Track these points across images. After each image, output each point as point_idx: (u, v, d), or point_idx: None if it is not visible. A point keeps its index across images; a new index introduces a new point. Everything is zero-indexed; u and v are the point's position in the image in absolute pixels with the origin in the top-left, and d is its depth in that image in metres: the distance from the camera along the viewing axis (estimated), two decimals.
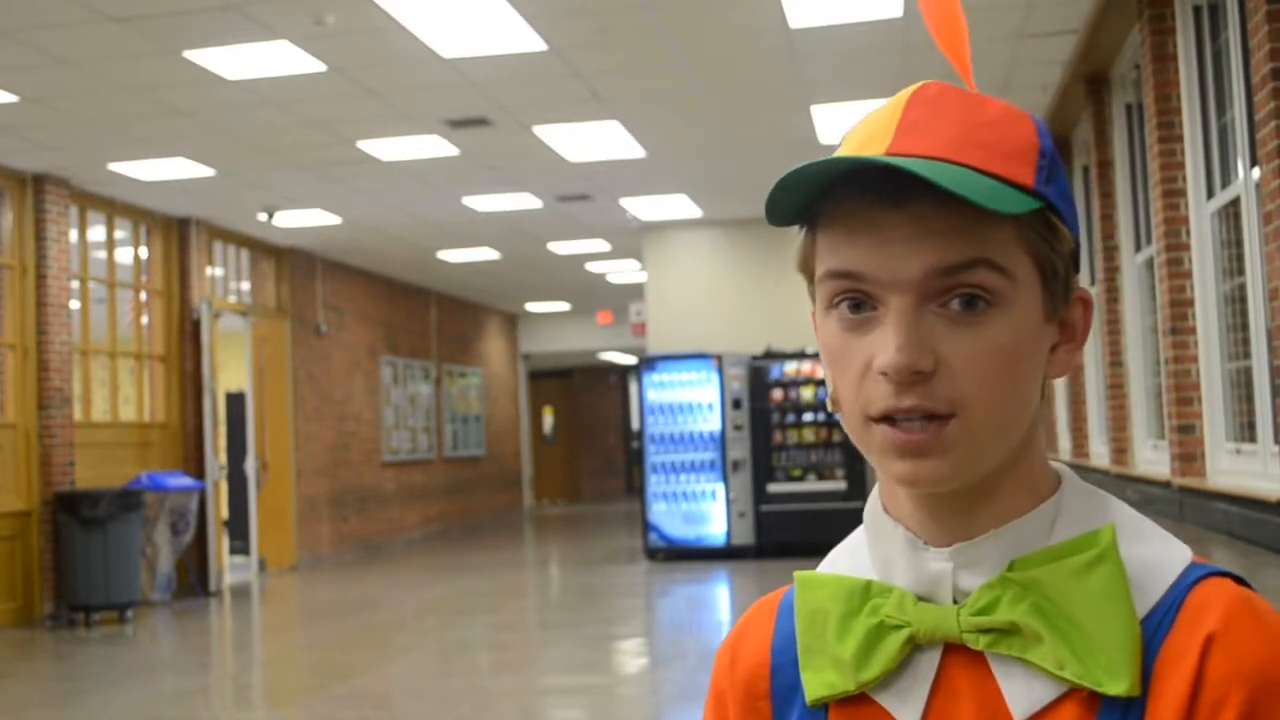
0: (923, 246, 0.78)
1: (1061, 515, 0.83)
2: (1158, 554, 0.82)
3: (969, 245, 0.78)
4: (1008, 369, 0.79)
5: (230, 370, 14.00)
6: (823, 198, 0.82)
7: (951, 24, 0.90)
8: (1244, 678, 0.74)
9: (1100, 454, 8.75)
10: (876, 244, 0.79)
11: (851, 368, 0.81)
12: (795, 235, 0.87)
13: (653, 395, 12.77)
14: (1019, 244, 0.80)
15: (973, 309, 0.78)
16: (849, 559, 0.90)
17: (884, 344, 0.78)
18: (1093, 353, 8.80)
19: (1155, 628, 0.78)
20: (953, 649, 0.82)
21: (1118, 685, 0.76)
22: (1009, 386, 0.79)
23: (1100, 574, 0.79)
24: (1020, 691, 0.79)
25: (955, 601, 0.82)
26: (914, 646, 0.83)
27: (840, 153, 0.84)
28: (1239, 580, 0.81)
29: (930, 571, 0.83)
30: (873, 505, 0.88)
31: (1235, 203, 5.44)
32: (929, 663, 0.83)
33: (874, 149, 0.81)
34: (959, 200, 0.76)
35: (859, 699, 0.85)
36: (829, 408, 0.85)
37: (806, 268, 0.85)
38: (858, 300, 0.80)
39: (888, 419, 0.79)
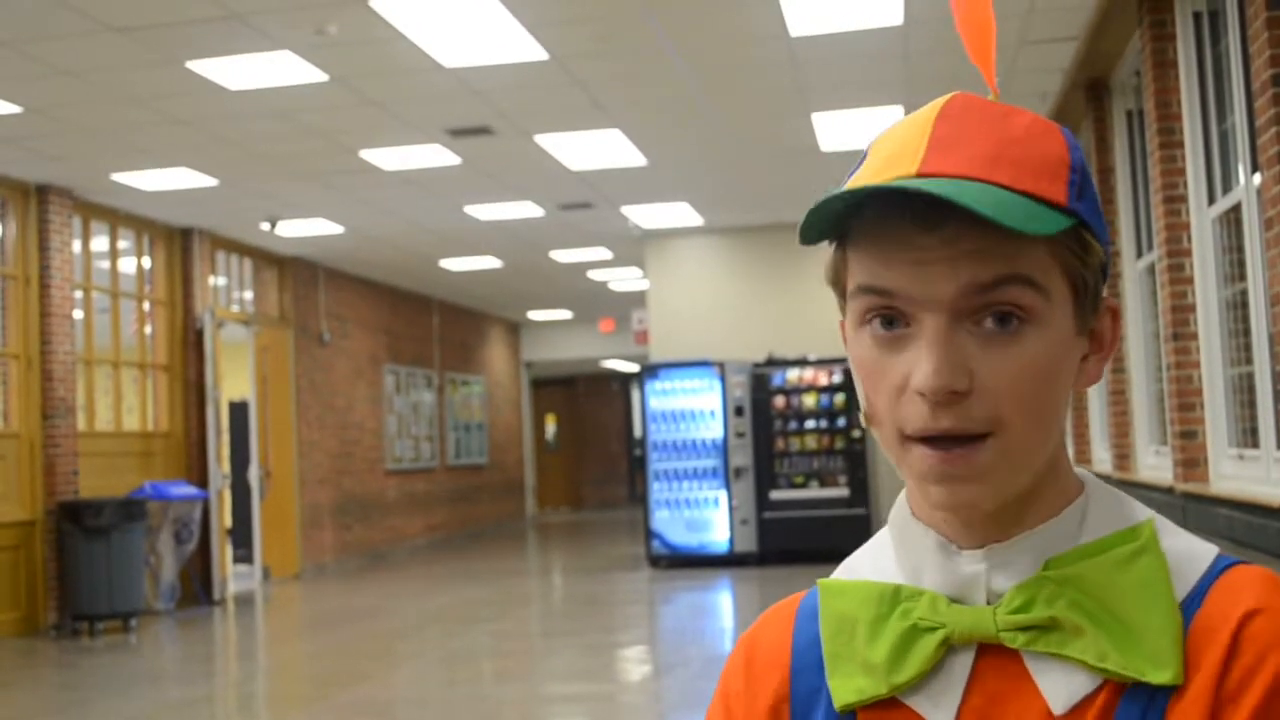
0: (956, 266, 0.78)
1: (1089, 515, 0.84)
2: (1191, 546, 0.83)
3: (1003, 263, 0.78)
4: (1043, 385, 0.79)
5: (233, 379, 14.02)
6: (852, 214, 0.82)
7: (982, 26, 0.91)
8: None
9: (1103, 460, 8.74)
10: (910, 263, 0.79)
11: (887, 385, 0.81)
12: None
13: (655, 403, 12.78)
14: (1052, 260, 0.80)
15: (1007, 326, 0.79)
16: (871, 564, 0.90)
17: (919, 364, 0.79)
18: None
19: (1188, 608, 0.80)
20: (985, 650, 0.83)
21: (1162, 674, 0.77)
22: (1044, 402, 0.80)
23: (1142, 565, 0.80)
24: (1058, 686, 0.80)
25: (988, 602, 0.83)
26: (948, 648, 0.84)
27: (868, 162, 0.84)
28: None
29: (963, 574, 0.83)
30: (900, 511, 0.88)
31: (1236, 208, 5.44)
32: (962, 664, 0.83)
33: (904, 166, 0.81)
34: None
35: (889, 703, 0.85)
36: (862, 422, 0.85)
37: (838, 282, 0.85)
38: (890, 316, 0.81)
39: (925, 439, 0.80)
